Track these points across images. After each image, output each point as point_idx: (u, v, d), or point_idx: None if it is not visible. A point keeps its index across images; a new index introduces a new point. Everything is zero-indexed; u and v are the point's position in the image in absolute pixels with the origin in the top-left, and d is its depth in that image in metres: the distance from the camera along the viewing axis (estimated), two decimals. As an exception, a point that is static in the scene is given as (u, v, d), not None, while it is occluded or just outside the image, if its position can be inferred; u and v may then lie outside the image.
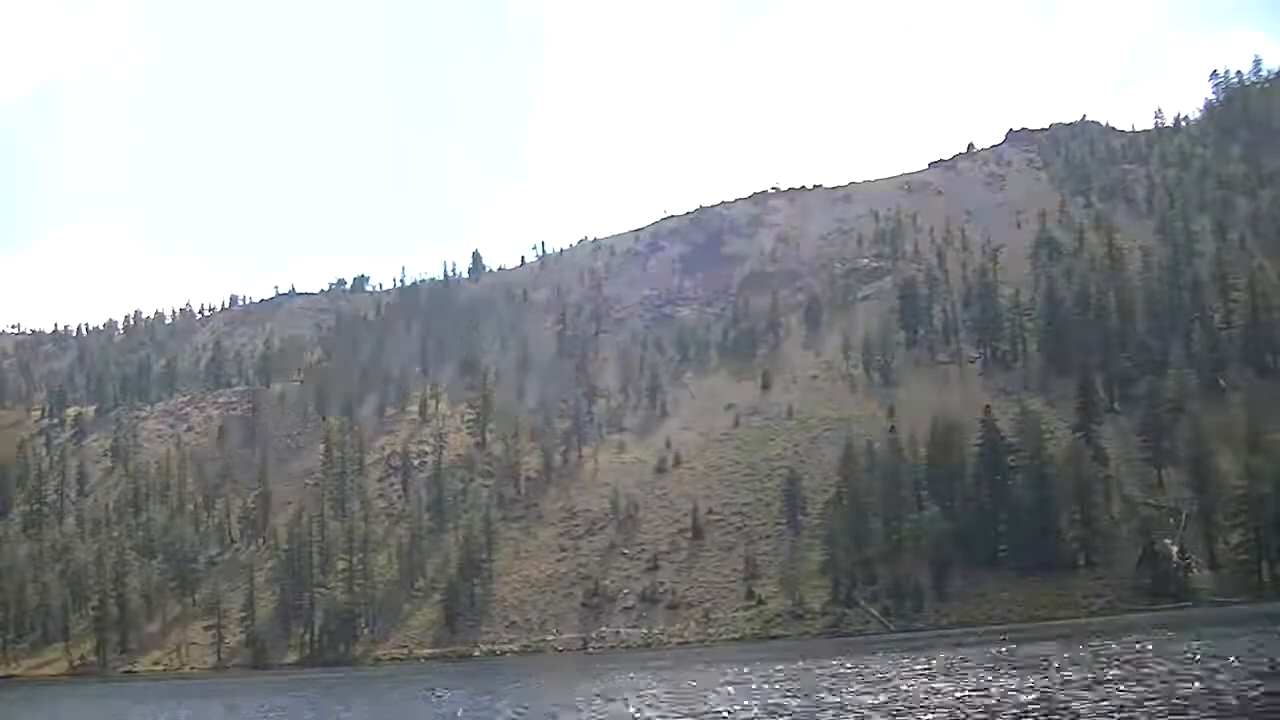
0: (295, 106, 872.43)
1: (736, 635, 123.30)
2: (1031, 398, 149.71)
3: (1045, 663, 47.97)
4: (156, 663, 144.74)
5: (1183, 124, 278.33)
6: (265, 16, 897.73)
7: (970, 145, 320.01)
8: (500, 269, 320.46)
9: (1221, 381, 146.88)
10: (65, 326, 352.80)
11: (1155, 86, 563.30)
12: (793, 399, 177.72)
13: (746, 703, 40.12)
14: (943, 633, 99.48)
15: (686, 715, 37.86)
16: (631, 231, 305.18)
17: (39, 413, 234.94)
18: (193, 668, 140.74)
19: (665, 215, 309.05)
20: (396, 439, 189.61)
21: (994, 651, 59.82)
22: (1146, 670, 39.70)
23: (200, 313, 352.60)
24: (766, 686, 48.58)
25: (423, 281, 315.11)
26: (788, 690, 45.51)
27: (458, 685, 73.43)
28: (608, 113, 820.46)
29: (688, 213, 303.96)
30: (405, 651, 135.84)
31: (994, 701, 34.04)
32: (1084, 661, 47.10)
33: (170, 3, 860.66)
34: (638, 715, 39.56)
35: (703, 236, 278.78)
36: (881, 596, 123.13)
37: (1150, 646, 51.29)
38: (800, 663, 65.28)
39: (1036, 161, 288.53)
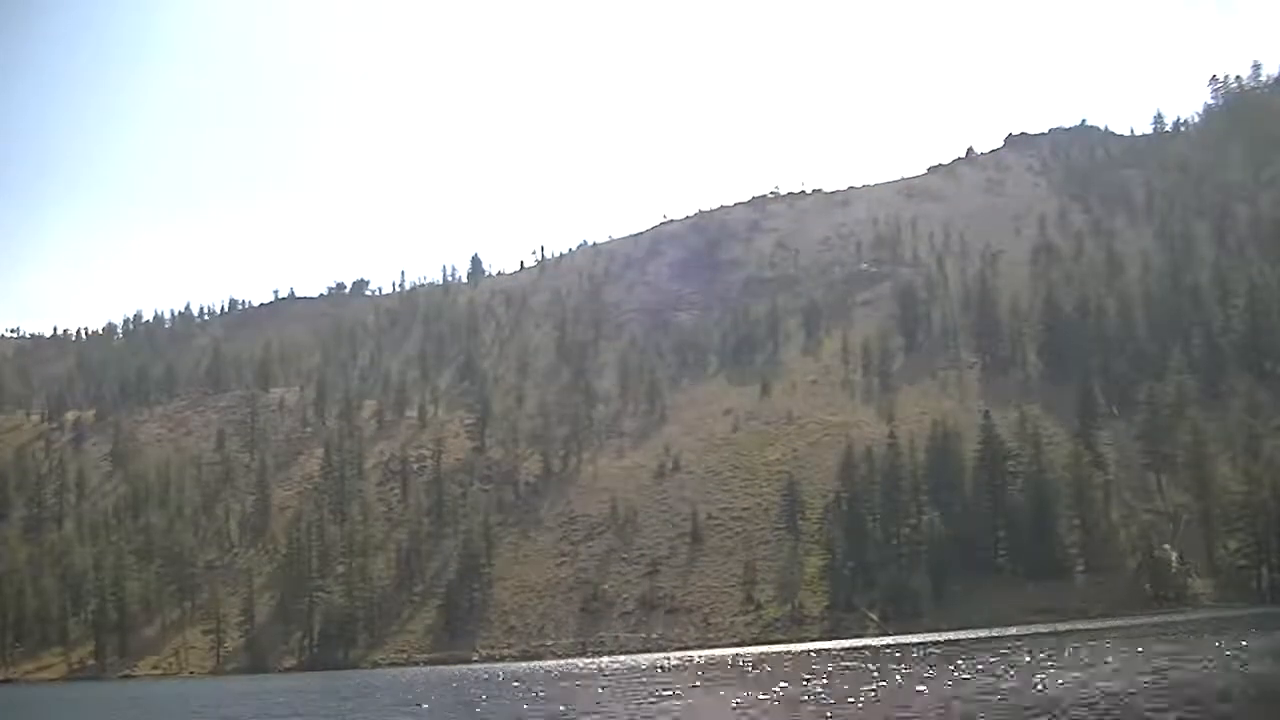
0: (294, 109, 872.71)
1: (735, 640, 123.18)
2: (1030, 403, 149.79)
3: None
4: (155, 667, 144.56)
5: (1182, 129, 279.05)
6: (266, 18, 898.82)
7: (969, 150, 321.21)
8: (499, 274, 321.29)
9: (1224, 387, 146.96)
10: (64, 330, 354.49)
11: (1155, 90, 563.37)
12: (792, 404, 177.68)
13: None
14: (942, 637, 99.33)
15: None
16: (630, 236, 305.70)
17: (38, 417, 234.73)
18: (191, 672, 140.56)
19: (664, 220, 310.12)
20: (395, 443, 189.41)
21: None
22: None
23: (199, 317, 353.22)
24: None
25: (422, 286, 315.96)
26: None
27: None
28: (608, 116, 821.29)
29: (687, 217, 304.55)
30: (404, 656, 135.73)
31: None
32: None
33: (174, 5, 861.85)
34: None
35: (701, 241, 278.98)
36: (880, 601, 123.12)
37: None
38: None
39: (1035, 166, 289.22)
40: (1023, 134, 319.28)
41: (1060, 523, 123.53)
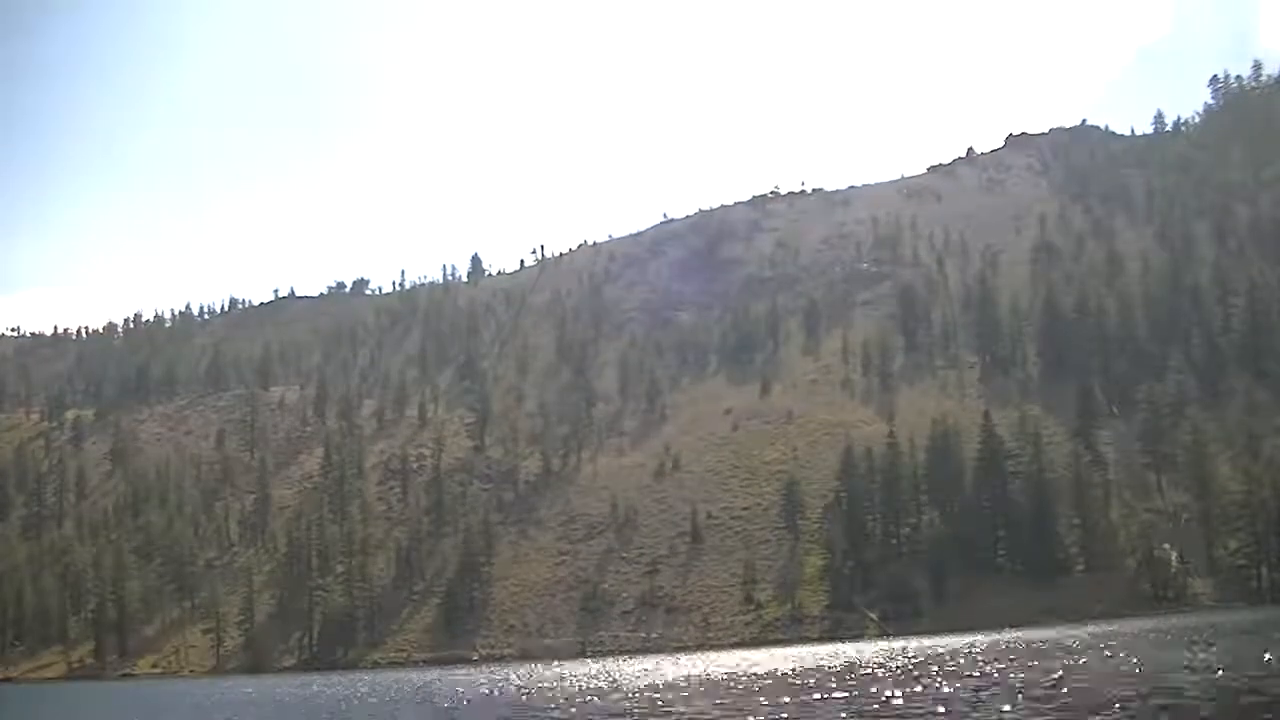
0: (294, 109, 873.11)
1: (735, 640, 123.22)
2: (1030, 403, 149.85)
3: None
4: (154, 665, 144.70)
5: (1182, 129, 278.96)
6: (266, 19, 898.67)
7: (970, 150, 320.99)
8: (499, 273, 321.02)
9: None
10: (64, 329, 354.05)
11: (1155, 90, 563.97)
12: (791, 403, 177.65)
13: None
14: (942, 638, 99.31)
15: None
16: (631, 236, 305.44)
17: (38, 416, 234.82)
18: (191, 670, 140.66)
19: (665, 219, 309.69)
20: (395, 443, 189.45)
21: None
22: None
23: (200, 316, 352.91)
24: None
25: (422, 285, 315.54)
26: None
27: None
28: (608, 116, 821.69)
29: (687, 217, 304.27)
30: (404, 655, 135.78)
31: None
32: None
33: (174, 7, 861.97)
34: None
35: (702, 241, 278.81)
36: (880, 601, 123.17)
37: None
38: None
39: (1036, 166, 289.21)
40: (1023, 134, 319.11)
41: (1060, 522, 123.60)
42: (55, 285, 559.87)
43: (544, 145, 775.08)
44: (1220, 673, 30.84)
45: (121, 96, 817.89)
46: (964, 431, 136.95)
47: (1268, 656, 34.87)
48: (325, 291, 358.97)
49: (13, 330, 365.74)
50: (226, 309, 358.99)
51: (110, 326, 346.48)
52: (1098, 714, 22.17)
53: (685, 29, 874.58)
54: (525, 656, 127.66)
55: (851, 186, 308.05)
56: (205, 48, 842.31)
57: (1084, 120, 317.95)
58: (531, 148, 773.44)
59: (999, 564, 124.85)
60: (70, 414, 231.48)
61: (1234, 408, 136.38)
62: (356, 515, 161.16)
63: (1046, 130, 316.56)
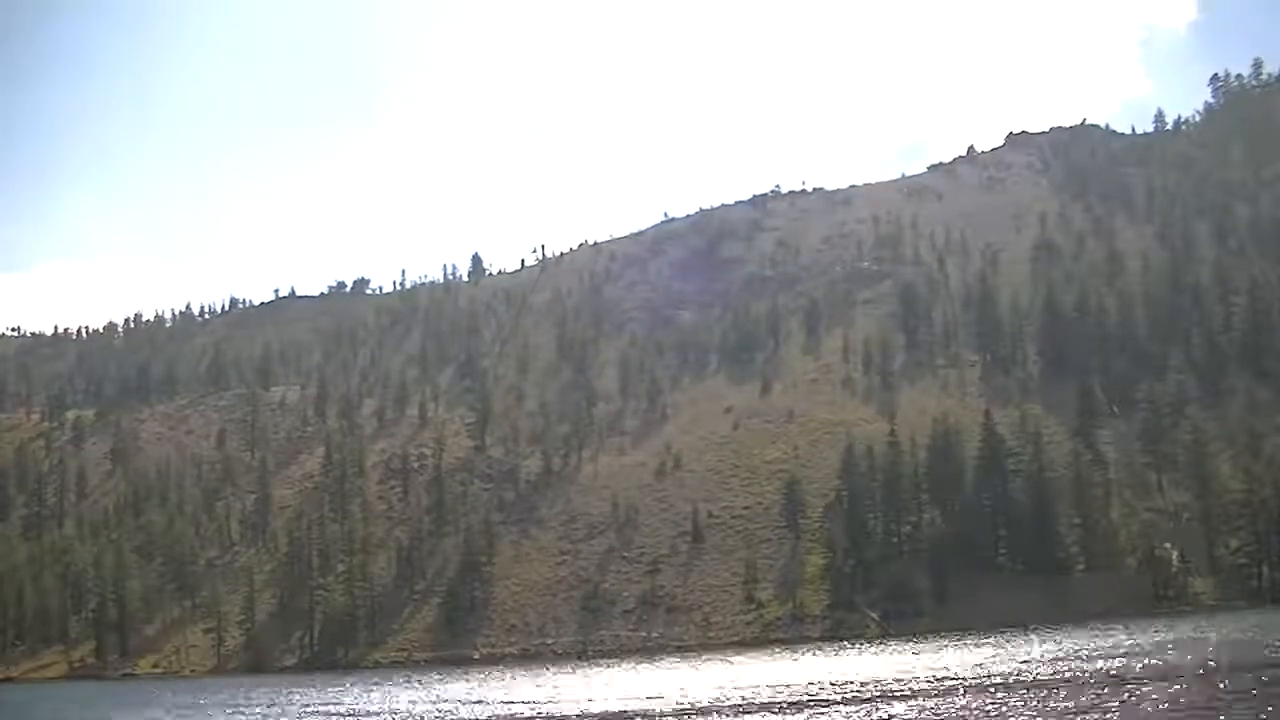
0: (295, 109, 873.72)
1: (736, 639, 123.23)
2: (1031, 402, 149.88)
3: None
4: (155, 665, 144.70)
5: (1182, 128, 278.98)
6: (264, 21, 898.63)
7: (970, 149, 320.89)
8: (500, 272, 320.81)
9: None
10: (65, 329, 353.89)
11: (1155, 90, 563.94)
12: (792, 402, 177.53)
13: None
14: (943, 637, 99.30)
15: None
16: (631, 235, 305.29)
17: (38, 415, 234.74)
18: (192, 670, 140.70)
19: (665, 219, 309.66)
20: (396, 442, 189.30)
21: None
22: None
23: (200, 316, 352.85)
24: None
25: (423, 285, 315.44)
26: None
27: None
28: (608, 116, 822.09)
29: (688, 216, 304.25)
30: (404, 655, 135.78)
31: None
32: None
33: (176, 7, 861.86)
34: None
35: (703, 240, 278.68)
36: (881, 600, 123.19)
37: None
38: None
39: (1036, 165, 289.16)
40: (1024, 133, 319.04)
41: (1061, 521, 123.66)
42: (56, 285, 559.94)
43: (544, 145, 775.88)
44: None
45: (123, 98, 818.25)
46: (965, 430, 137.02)
47: None
48: (325, 291, 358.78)
49: (13, 330, 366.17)
50: (227, 309, 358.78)
51: (110, 326, 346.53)
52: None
53: (685, 29, 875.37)
54: (526, 655, 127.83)
55: (852, 185, 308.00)
56: (207, 50, 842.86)
57: (1084, 119, 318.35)
58: (531, 148, 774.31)
59: (1000, 563, 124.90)
60: (70, 414, 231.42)
61: (1235, 407, 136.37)
62: (357, 515, 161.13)
63: (1047, 129, 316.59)
